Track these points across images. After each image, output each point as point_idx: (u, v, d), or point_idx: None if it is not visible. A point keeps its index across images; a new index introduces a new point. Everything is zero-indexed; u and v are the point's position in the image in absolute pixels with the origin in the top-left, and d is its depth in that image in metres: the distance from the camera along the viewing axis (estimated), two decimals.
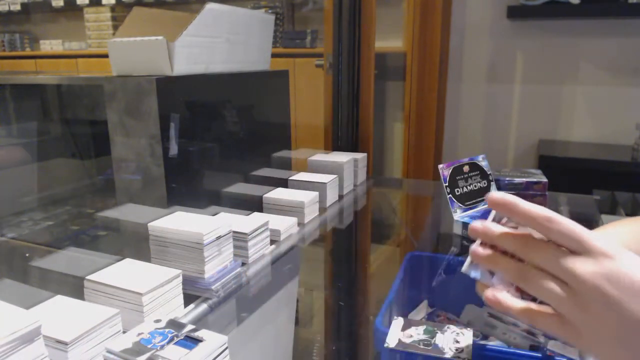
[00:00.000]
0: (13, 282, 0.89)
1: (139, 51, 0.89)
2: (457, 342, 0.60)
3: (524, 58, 2.19)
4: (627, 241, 0.59)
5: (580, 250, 0.40)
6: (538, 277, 0.41)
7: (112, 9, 3.50)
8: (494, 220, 0.47)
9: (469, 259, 0.49)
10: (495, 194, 0.44)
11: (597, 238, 0.40)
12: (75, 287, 0.69)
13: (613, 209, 1.58)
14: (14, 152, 1.24)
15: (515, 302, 0.44)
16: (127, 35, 0.91)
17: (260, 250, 0.89)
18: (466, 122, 2.35)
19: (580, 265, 0.39)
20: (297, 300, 0.86)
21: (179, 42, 0.87)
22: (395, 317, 0.64)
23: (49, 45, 3.80)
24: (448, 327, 0.62)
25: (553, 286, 0.40)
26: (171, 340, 0.53)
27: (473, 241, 0.50)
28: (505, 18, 2.12)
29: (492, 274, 0.48)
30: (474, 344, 0.60)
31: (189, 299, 0.73)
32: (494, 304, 0.45)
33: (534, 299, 0.45)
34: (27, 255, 0.97)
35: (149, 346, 0.52)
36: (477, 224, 0.45)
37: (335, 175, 1.23)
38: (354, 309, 0.80)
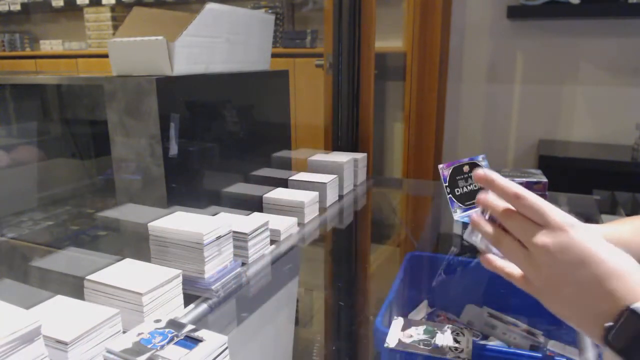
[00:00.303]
0: (13, 282, 0.90)
1: (139, 51, 0.89)
2: (457, 342, 0.60)
3: (524, 58, 2.19)
4: (627, 238, 0.59)
5: (542, 222, 0.47)
6: (507, 242, 0.50)
7: (112, 9, 3.50)
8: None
9: (470, 227, 0.56)
10: (479, 170, 0.51)
11: (557, 213, 0.47)
12: (75, 287, 0.69)
13: (613, 209, 1.58)
14: (27, 151, 1.24)
15: (499, 263, 0.53)
16: (127, 35, 0.91)
17: (260, 250, 0.89)
18: (466, 122, 2.35)
19: (538, 235, 0.47)
20: (297, 300, 0.86)
21: (179, 42, 0.87)
22: (395, 317, 0.64)
23: (49, 45, 3.80)
24: (448, 327, 0.62)
25: (516, 251, 0.49)
26: (171, 340, 0.53)
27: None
28: (505, 18, 2.12)
29: None
30: (474, 344, 0.60)
31: (189, 299, 0.73)
32: (486, 263, 0.54)
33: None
34: (27, 255, 0.97)
35: (149, 346, 0.52)
36: (482, 196, 0.52)
37: (335, 175, 1.23)
38: (354, 309, 0.80)
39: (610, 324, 0.41)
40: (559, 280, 0.45)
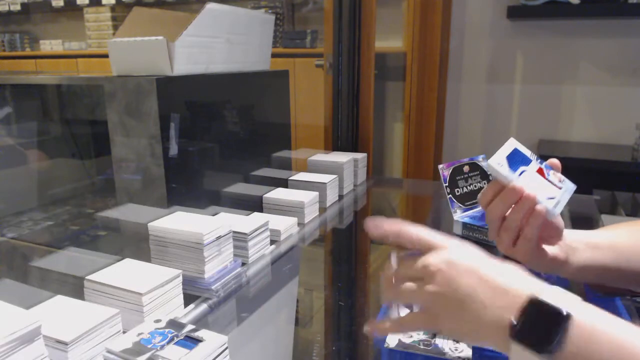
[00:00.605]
0: (13, 282, 0.90)
1: (139, 51, 0.89)
2: (457, 342, 0.60)
3: (524, 58, 2.19)
4: (622, 244, 0.60)
5: (427, 248, 0.50)
6: (402, 286, 0.50)
7: (112, 9, 3.50)
8: None
9: None
10: (371, 222, 0.54)
11: (435, 237, 0.50)
12: (75, 287, 0.69)
13: (613, 209, 1.59)
14: (31, 152, 1.24)
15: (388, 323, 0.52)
16: (127, 35, 0.91)
17: (260, 250, 0.89)
18: (466, 122, 2.35)
19: (426, 258, 0.49)
20: (297, 300, 0.86)
21: (179, 42, 0.87)
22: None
23: (49, 45, 3.80)
24: None
25: (410, 284, 0.50)
26: (171, 340, 0.53)
27: (474, 241, 0.53)
28: (505, 18, 2.12)
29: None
30: None
31: (189, 299, 0.73)
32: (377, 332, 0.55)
33: None
34: (27, 255, 0.97)
35: (149, 346, 0.52)
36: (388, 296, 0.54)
37: (335, 175, 1.23)
38: (354, 309, 0.80)
39: (513, 321, 0.42)
40: (451, 290, 0.46)
